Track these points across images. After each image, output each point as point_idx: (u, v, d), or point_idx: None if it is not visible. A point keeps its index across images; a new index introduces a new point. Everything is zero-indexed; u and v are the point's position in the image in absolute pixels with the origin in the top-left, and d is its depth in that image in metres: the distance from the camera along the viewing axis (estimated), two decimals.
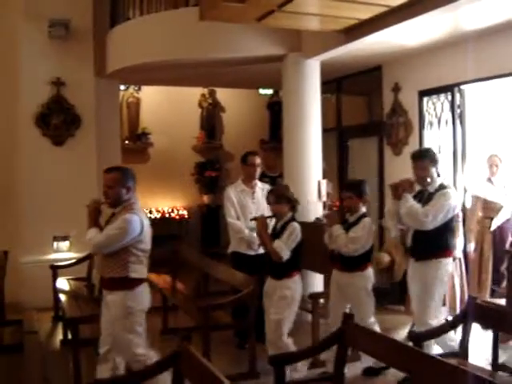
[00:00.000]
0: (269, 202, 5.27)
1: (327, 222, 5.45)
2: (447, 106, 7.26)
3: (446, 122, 7.30)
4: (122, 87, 10.51)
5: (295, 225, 5.10)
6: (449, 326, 4.56)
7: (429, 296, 5.18)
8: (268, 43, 7.18)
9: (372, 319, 5.22)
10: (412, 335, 4.21)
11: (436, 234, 5.16)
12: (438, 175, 5.33)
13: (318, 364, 5.36)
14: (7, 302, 6.81)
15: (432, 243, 5.21)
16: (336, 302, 5.30)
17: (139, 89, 11.17)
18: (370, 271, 5.28)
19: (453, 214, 5.20)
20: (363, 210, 5.25)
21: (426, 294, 5.20)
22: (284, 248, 5.00)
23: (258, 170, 6.52)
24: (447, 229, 5.23)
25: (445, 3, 5.02)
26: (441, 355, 4.04)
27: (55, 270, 7.18)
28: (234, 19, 5.80)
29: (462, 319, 4.20)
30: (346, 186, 5.59)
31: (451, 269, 5.47)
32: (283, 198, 5.18)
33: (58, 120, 8.19)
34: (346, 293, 5.26)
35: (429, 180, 5.26)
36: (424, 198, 5.23)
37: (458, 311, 6.38)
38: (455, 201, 5.20)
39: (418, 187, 5.34)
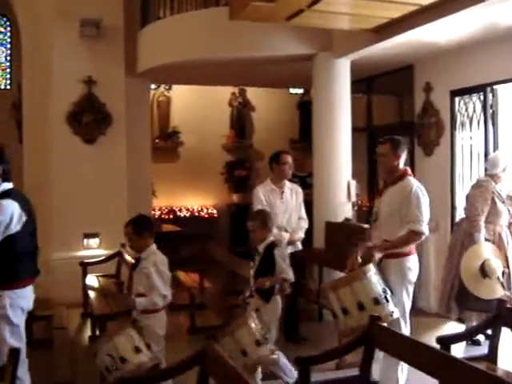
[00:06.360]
0: None
1: None
2: (479, 106, 7.15)
3: (478, 123, 7.19)
4: (153, 86, 10.59)
5: None
6: (478, 330, 4.50)
7: None
8: (298, 42, 7.15)
9: None
10: (440, 338, 4.14)
11: None
12: (5, 180, 4.09)
13: (343, 366, 5.32)
14: (38, 297, 6.89)
15: None
16: None
17: (170, 88, 11.24)
18: None
19: (8, 231, 3.98)
20: None
21: None
22: None
23: (291, 169, 6.50)
24: (13, 253, 4.05)
25: (478, 1, 4.95)
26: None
27: (85, 266, 7.26)
28: (264, 19, 5.79)
29: (492, 323, 4.14)
30: None
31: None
32: None
33: (89, 118, 8.27)
34: None
35: None
36: None
37: None
38: (9, 214, 3.95)
39: None
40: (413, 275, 4.74)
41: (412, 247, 4.75)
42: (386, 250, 4.64)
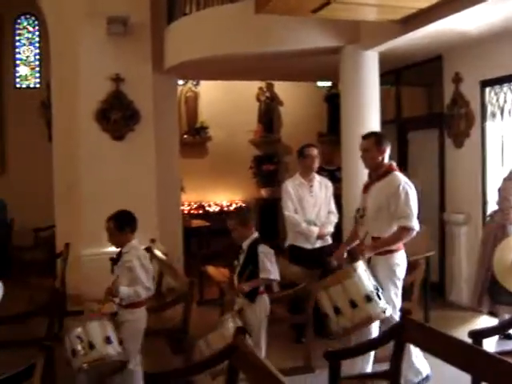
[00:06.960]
0: None
1: None
2: (510, 96, 7.03)
3: (509, 113, 7.08)
4: (181, 82, 10.61)
5: None
6: (511, 324, 4.43)
7: None
8: (325, 35, 7.09)
9: None
10: (472, 332, 4.08)
11: None
12: None
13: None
14: (69, 293, 6.98)
15: None
16: None
17: (197, 83, 11.25)
18: None
19: None
20: None
21: None
22: None
23: (317, 162, 6.47)
24: None
25: None
26: None
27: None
28: (290, 12, 5.76)
29: None
30: None
31: None
32: None
33: (118, 115, 8.29)
34: None
35: None
36: None
37: None
38: None
39: None
40: (401, 271, 4.75)
41: (400, 243, 4.74)
42: (377, 249, 4.64)
